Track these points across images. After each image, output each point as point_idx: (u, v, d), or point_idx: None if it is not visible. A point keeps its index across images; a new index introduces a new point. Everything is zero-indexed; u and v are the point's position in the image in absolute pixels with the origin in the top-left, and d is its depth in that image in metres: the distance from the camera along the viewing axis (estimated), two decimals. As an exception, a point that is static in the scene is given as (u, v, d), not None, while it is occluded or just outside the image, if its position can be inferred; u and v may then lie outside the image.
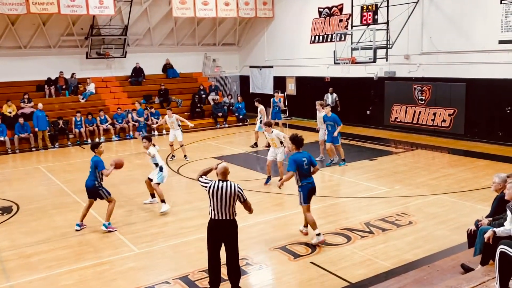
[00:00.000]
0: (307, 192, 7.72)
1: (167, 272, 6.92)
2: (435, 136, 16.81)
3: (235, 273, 6.17)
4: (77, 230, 8.82)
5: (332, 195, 10.58)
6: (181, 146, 14.87)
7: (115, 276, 6.92)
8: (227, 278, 6.25)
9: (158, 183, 9.79)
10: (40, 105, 18.03)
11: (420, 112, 17.54)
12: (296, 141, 7.88)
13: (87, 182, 8.92)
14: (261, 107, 16.08)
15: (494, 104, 15.22)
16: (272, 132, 11.36)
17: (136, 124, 20.11)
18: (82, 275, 6.98)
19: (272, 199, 10.42)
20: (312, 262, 7.06)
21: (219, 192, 6.01)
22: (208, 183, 6.17)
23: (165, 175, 9.91)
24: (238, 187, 6.13)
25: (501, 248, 4.76)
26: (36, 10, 18.42)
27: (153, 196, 10.36)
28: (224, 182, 6.11)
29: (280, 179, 10.13)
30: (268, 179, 11.62)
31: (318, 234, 7.71)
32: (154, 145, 10.08)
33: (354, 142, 16.64)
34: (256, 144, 16.53)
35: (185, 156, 14.83)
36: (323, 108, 13.73)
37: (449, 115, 16.59)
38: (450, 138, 16.32)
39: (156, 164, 9.88)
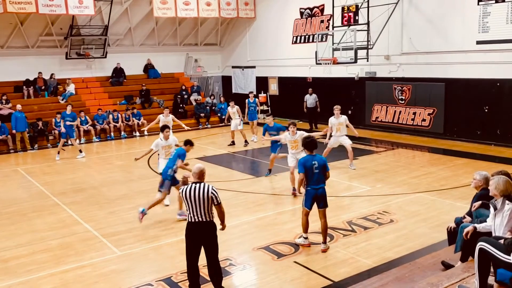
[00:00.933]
0: (310, 197, 7.41)
1: (149, 274, 6.87)
2: (415, 135, 17.04)
3: (217, 274, 6.15)
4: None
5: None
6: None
7: (97, 279, 6.84)
8: (209, 280, 6.22)
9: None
10: (19, 106, 17.67)
11: (400, 111, 17.75)
12: (307, 144, 7.59)
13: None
14: (237, 107, 16.77)
15: (473, 104, 15.48)
16: (296, 134, 10.44)
17: (117, 125, 19.93)
18: (63, 279, 6.88)
19: (255, 199, 10.42)
20: (295, 262, 7.09)
21: (192, 194, 5.91)
22: (181, 188, 6.10)
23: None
24: (212, 188, 6.01)
25: (480, 244, 4.84)
26: (13, 9, 18.05)
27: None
28: (198, 184, 6.01)
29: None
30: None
31: (305, 238, 7.64)
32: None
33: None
34: (233, 143, 16.82)
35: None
36: (341, 113, 12.76)
37: (429, 114, 16.83)
38: (430, 137, 16.55)
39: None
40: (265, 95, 23.71)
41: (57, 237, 8.56)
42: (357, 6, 16.23)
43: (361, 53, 16.34)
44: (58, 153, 15.88)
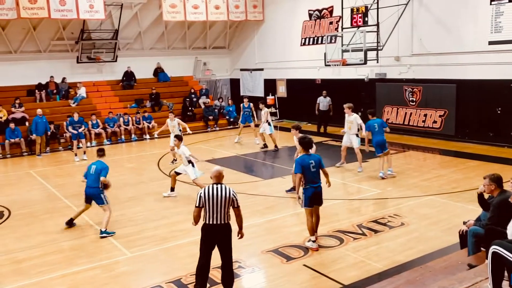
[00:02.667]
0: (310, 195, 7.53)
1: (159, 276, 6.89)
2: (426, 137, 16.90)
3: (229, 277, 6.15)
4: None
5: (324, 197, 10.54)
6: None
7: (107, 280, 6.87)
8: (218, 282, 6.22)
9: (196, 177, 10.71)
10: (39, 111, 17.57)
11: (411, 113, 17.63)
12: (304, 143, 7.75)
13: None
14: (265, 110, 16.32)
15: (485, 105, 15.33)
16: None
17: (128, 128, 20.05)
18: (74, 280, 6.93)
19: (263, 201, 10.41)
20: (304, 265, 7.06)
21: (213, 195, 5.93)
22: (200, 191, 6.07)
23: (198, 169, 10.92)
24: (233, 191, 6.05)
25: (494, 248, 4.78)
26: (26, 15, 18.30)
27: (172, 189, 11.15)
28: (219, 185, 6.04)
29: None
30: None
31: (313, 241, 7.66)
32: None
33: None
34: (265, 145, 16.51)
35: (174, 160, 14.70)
36: (352, 112, 12.80)
37: (440, 116, 16.70)
38: (441, 139, 16.41)
39: (189, 161, 10.67)
40: (273, 97, 23.69)
41: (69, 238, 8.63)
42: (366, 7, 16.17)
43: (371, 55, 16.29)
44: (76, 155, 16.14)
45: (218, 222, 5.93)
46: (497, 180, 5.92)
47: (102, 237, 8.54)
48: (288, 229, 8.56)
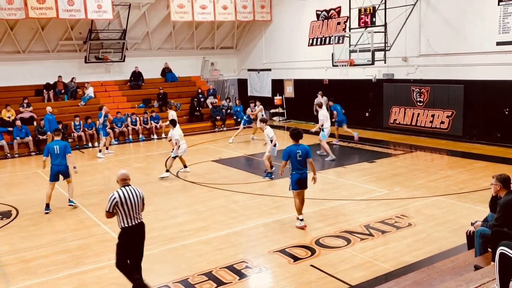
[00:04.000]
0: (296, 180, 8.53)
1: (166, 276, 6.92)
2: (434, 138, 16.83)
3: (139, 269, 6.33)
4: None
5: (331, 197, 10.59)
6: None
7: (115, 280, 6.90)
8: (228, 282, 6.22)
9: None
10: (49, 108, 17.94)
11: (418, 114, 17.57)
12: (293, 134, 8.75)
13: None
14: (260, 106, 18.44)
15: (492, 106, 15.24)
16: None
17: (136, 128, 20.15)
18: (82, 279, 6.98)
19: (271, 201, 10.42)
20: (311, 265, 7.06)
21: (128, 197, 6.07)
22: (113, 196, 6.06)
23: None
24: (141, 192, 6.34)
25: (501, 249, 4.75)
26: (34, 15, 18.44)
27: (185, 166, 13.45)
28: (129, 187, 6.22)
29: None
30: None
31: (301, 220, 8.62)
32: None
33: (353, 144, 16.64)
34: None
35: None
36: (320, 108, 14.51)
37: (447, 116, 16.62)
38: (448, 140, 16.34)
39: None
40: (280, 97, 23.70)
41: (76, 238, 8.68)
42: (374, 7, 16.14)
43: (379, 55, 16.25)
44: (100, 151, 16.53)
45: (136, 222, 6.15)
46: (503, 181, 5.89)
47: (70, 205, 10.37)
48: (295, 230, 8.56)
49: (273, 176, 12.35)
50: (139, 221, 6.21)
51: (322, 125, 14.20)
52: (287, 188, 11.25)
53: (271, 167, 12.47)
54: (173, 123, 13.27)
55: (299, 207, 8.69)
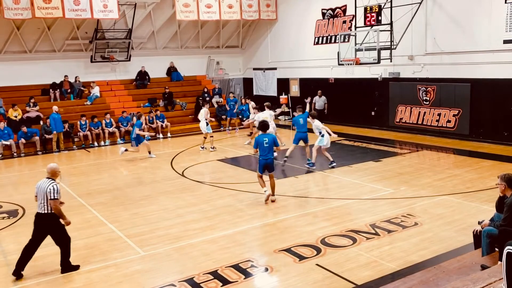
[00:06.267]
0: (262, 164, 10.04)
1: (172, 275, 6.94)
2: (440, 137, 16.76)
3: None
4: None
5: (337, 196, 10.57)
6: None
7: (121, 279, 6.94)
8: (233, 281, 6.21)
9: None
10: (55, 108, 18.04)
11: (424, 112, 17.49)
12: (260, 126, 10.48)
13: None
14: (252, 103, 19.15)
15: (499, 104, 15.15)
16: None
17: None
18: (88, 278, 7.01)
19: (277, 201, 10.41)
20: (317, 264, 7.05)
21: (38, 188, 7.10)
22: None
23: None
24: (52, 185, 6.97)
25: (508, 249, 4.72)
26: (41, 14, 18.53)
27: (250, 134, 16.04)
28: (43, 180, 7.17)
29: None
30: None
31: (265, 191, 10.10)
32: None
33: (359, 144, 16.61)
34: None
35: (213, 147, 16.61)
36: (314, 119, 13.10)
37: (454, 115, 16.54)
38: (455, 139, 16.27)
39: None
40: (286, 96, 23.67)
41: (83, 237, 8.72)
42: (380, 6, 16.08)
43: (384, 54, 16.19)
44: (126, 150, 15.87)
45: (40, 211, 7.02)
46: (508, 180, 5.86)
47: None
48: (300, 229, 8.56)
49: (314, 166, 13.19)
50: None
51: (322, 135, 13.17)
52: (293, 188, 11.36)
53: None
54: (314, 116, 13.31)
55: (263, 184, 10.14)
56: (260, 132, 10.43)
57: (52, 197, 6.91)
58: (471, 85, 15.88)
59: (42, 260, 7.74)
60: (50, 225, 7.03)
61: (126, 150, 15.66)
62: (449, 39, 16.23)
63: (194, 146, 17.58)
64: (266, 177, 10.41)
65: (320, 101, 20.12)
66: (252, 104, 19.40)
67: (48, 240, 8.63)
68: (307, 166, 13.29)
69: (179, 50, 24.70)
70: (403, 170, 12.62)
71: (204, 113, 16.81)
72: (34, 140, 18.03)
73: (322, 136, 12.86)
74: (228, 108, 22.31)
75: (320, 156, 13.26)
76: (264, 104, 16.26)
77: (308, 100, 15.86)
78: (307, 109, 14.49)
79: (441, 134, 16.93)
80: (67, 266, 7.21)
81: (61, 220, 7.15)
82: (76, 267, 7.28)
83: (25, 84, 20.79)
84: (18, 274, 7.06)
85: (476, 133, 15.98)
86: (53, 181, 7.09)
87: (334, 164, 13.06)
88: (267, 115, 15.06)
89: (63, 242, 7.18)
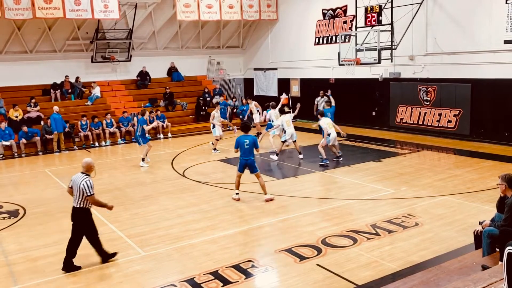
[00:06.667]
0: (242, 164, 10.30)
1: (173, 275, 6.93)
2: (441, 137, 16.75)
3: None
4: None
5: (338, 197, 10.57)
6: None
7: (121, 279, 6.94)
8: (234, 281, 6.20)
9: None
10: (56, 108, 18.07)
11: (425, 113, 17.49)
12: (241, 127, 10.89)
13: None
14: (253, 103, 19.08)
15: (500, 105, 15.14)
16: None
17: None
18: (89, 278, 7.01)
19: (277, 201, 10.41)
20: (318, 265, 7.05)
21: (73, 181, 7.25)
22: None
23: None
24: (85, 181, 7.07)
25: (509, 249, 4.71)
26: (41, 15, 18.54)
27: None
28: (78, 174, 7.28)
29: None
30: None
31: (237, 193, 10.42)
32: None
33: (360, 144, 16.61)
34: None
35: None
36: (322, 117, 14.13)
37: (455, 115, 16.54)
38: (455, 139, 16.26)
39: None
40: (287, 96, 23.62)
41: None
42: (380, 6, 16.08)
43: (385, 54, 16.19)
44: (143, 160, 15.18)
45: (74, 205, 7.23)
46: (508, 180, 5.86)
47: None
48: (301, 229, 8.55)
49: (328, 162, 13.43)
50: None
51: (329, 134, 13.51)
52: (294, 188, 11.36)
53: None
54: (322, 114, 14.05)
55: (238, 184, 10.44)
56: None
57: (88, 193, 7.09)
58: (471, 85, 15.87)
59: (43, 261, 7.75)
60: (82, 218, 7.26)
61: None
62: (450, 39, 16.23)
63: (194, 146, 17.58)
64: (267, 178, 10.41)
65: (322, 102, 20.07)
66: (254, 103, 19.18)
67: (49, 240, 8.66)
68: (321, 163, 13.48)
69: (180, 50, 24.71)
70: (404, 170, 12.62)
71: (212, 116, 16.63)
72: (35, 140, 18.06)
73: (329, 135, 13.32)
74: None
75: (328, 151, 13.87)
76: (269, 104, 16.60)
77: (284, 96, 17.01)
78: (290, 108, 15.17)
79: (441, 134, 16.92)
80: (70, 266, 7.26)
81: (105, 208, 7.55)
82: (78, 267, 7.27)
83: (26, 84, 20.81)
84: (68, 268, 7.23)
85: (477, 133, 15.97)
86: (87, 176, 7.18)
87: (341, 159, 13.75)
88: (288, 118, 14.86)
89: (89, 236, 7.41)
